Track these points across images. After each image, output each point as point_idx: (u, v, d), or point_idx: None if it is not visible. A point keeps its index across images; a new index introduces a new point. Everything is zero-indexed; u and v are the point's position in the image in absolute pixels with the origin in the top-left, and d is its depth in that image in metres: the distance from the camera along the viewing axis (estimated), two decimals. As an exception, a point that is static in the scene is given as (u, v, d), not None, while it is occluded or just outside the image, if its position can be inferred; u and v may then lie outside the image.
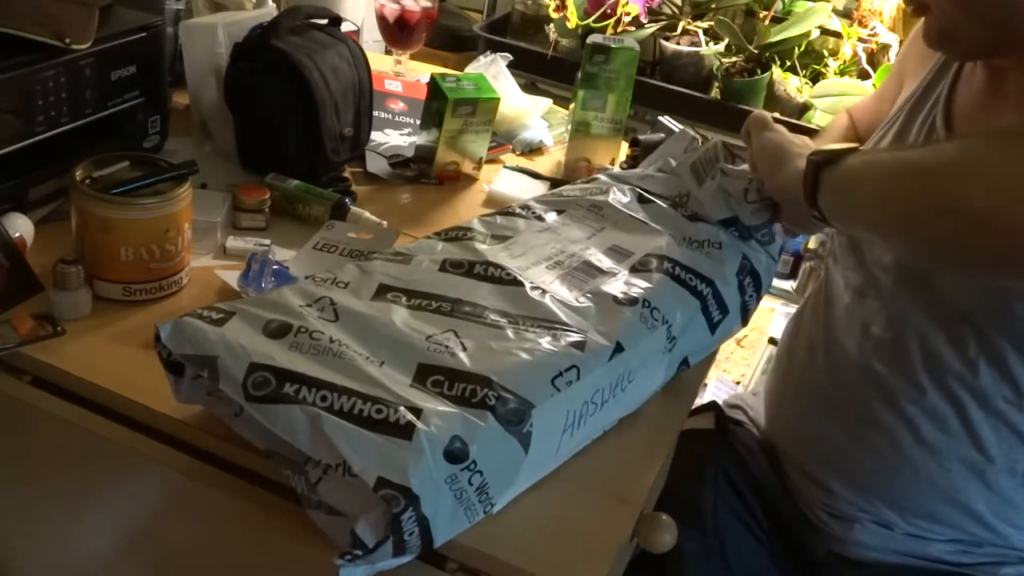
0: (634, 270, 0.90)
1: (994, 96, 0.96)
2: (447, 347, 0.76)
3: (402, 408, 0.69)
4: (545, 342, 0.79)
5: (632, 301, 0.85)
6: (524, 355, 0.77)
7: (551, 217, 0.98)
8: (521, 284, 0.85)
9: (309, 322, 0.76)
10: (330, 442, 0.66)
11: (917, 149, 0.88)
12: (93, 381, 0.84)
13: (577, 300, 0.85)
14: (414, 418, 0.68)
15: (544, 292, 0.85)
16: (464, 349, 0.76)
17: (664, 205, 1.00)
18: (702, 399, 1.46)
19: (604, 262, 0.91)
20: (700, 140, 1.15)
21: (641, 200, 1.02)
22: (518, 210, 1.00)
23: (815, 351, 1.09)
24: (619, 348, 0.81)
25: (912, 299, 0.98)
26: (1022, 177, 0.71)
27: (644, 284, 0.88)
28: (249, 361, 0.71)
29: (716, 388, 2.09)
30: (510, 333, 0.79)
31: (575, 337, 0.80)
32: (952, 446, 0.97)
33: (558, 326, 0.81)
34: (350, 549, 0.64)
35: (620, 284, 0.88)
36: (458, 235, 0.93)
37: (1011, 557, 1.02)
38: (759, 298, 0.98)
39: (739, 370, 2.28)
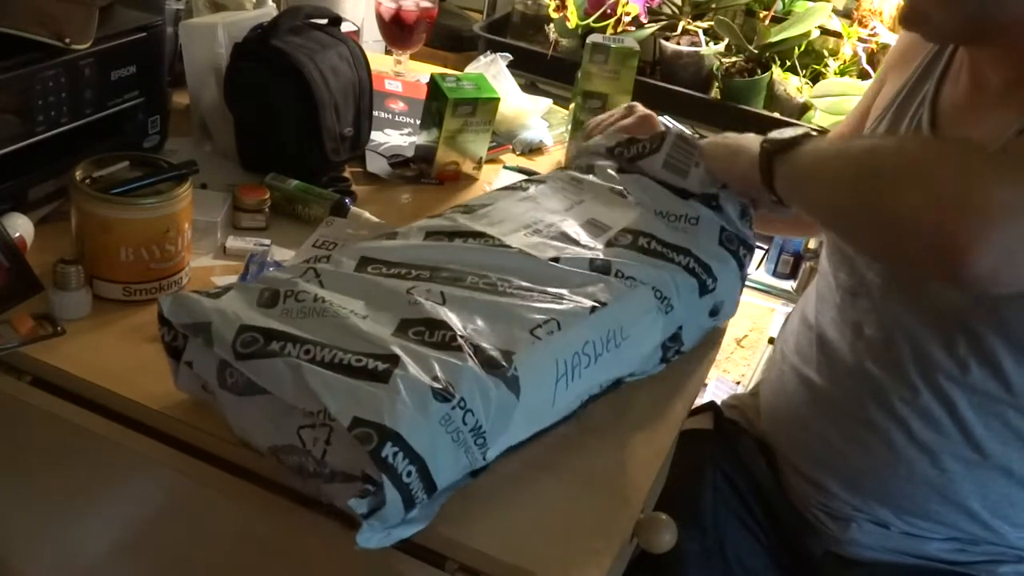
0: (610, 244, 0.94)
1: (978, 94, 0.97)
2: (427, 302, 0.79)
3: (381, 357, 0.71)
4: (523, 300, 0.82)
5: (606, 271, 0.89)
6: (501, 310, 0.80)
7: (532, 188, 1.02)
8: (501, 247, 0.89)
9: (297, 285, 0.80)
10: (310, 390, 0.68)
11: (862, 145, 0.91)
12: (93, 381, 0.84)
13: (556, 263, 0.88)
14: (391, 365, 0.71)
15: (523, 252, 0.88)
16: (443, 303, 0.80)
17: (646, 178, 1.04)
18: (702, 399, 1.46)
19: (581, 235, 0.94)
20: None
21: (622, 172, 1.05)
22: (500, 188, 1.04)
23: (810, 351, 1.09)
24: (601, 303, 0.84)
25: (901, 300, 0.98)
26: (945, 187, 0.74)
27: (620, 260, 0.91)
28: (239, 323, 0.75)
29: (716, 388, 2.09)
30: (488, 292, 0.82)
31: (552, 297, 0.83)
32: (946, 445, 0.97)
33: (537, 286, 0.84)
34: (365, 489, 0.66)
35: (596, 255, 0.91)
36: (440, 212, 0.97)
37: (1009, 555, 1.02)
38: (751, 257, 1.03)
39: (739, 370, 2.28)
